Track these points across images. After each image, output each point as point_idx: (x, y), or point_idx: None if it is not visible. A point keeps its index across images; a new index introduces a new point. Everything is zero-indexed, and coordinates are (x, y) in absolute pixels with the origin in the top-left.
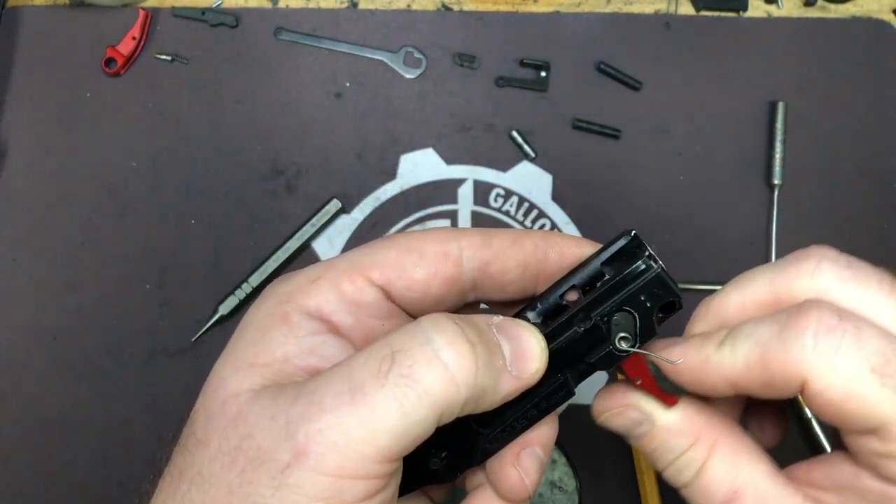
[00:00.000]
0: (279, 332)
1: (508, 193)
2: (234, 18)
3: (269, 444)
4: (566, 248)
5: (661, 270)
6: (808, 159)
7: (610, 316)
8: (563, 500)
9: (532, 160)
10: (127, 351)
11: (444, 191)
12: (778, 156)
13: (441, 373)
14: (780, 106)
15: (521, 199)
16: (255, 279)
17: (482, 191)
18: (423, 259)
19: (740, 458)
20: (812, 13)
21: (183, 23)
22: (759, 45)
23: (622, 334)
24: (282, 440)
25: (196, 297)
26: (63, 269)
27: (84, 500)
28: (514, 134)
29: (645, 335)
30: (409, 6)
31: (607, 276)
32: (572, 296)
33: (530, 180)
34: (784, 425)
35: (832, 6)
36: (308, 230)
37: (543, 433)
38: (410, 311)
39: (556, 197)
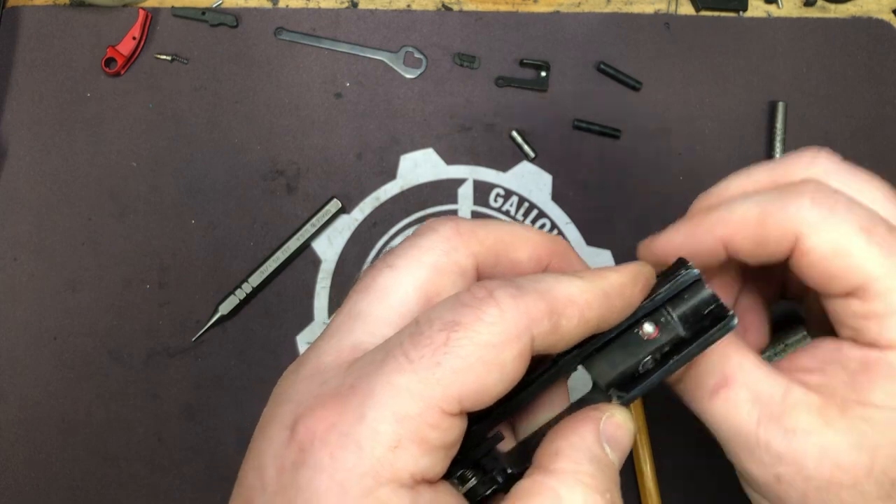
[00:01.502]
0: None
1: (508, 193)
2: (234, 18)
3: None
4: (625, 308)
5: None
6: None
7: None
8: None
9: (532, 160)
10: (127, 351)
11: (443, 191)
12: (778, 156)
13: None
14: (780, 106)
15: (521, 199)
16: (255, 279)
17: (482, 191)
18: (502, 373)
19: (727, 347)
20: (812, 13)
21: (183, 23)
22: (759, 45)
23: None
24: None
25: (196, 297)
26: (63, 269)
27: (84, 500)
28: (514, 134)
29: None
30: (409, 6)
31: (681, 334)
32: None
33: (530, 180)
34: (766, 331)
35: (832, 6)
36: (308, 230)
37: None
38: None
39: (556, 197)
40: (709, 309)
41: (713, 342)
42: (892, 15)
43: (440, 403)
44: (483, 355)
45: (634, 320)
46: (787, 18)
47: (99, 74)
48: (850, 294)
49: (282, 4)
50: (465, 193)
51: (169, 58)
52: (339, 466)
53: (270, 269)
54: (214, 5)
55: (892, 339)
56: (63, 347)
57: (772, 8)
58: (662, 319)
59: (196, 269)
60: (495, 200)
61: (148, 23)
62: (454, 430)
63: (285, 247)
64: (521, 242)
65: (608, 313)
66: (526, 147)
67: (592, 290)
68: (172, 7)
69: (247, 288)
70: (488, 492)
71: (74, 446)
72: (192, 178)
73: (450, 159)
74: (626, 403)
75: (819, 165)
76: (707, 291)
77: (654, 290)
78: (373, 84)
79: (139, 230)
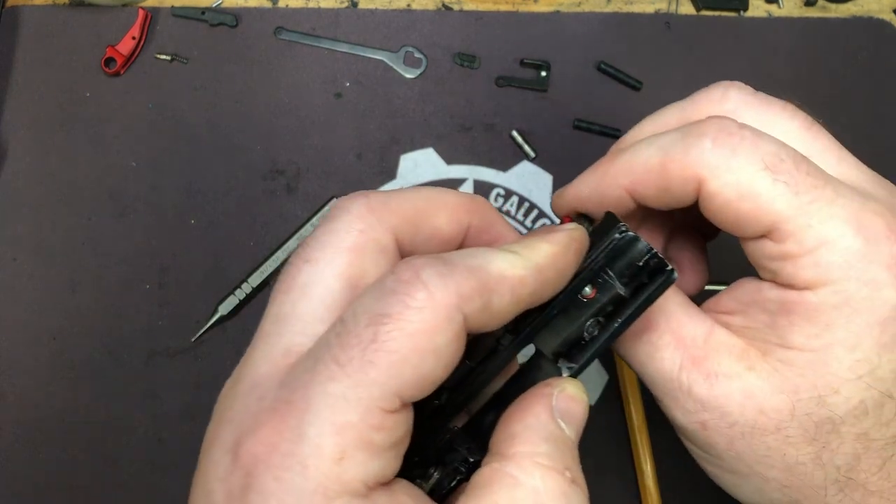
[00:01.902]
0: None
1: (508, 193)
2: (234, 18)
3: None
4: (560, 279)
5: (671, 271)
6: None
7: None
8: None
9: (532, 160)
10: (127, 351)
11: None
12: None
13: None
14: None
15: (522, 199)
16: (255, 279)
17: (482, 190)
18: (438, 359)
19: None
20: (812, 13)
21: (183, 22)
22: (760, 44)
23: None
24: None
25: (196, 297)
26: (63, 269)
27: (84, 500)
28: (514, 134)
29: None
30: (409, 6)
31: (621, 293)
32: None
33: (530, 180)
34: (703, 270)
35: (833, 6)
36: (308, 230)
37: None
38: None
39: None
40: (645, 261)
41: (654, 300)
42: (892, 14)
43: (379, 404)
44: (415, 344)
45: (573, 287)
46: (788, 18)
47: (98, 74)
48: (762, 236)
49: (282, 4)
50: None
51: (169, 57)
52: (286, 488)
53: (270, 270)
54: (214, 5)
55: (809, 279)
56: (63, 347)
57: (772, 8)
58: (600, 280)
59: (196, 269)
60: (495, 200)
61: (147, 22)
62: (400, 427)
63: (285, 247)
64: (438, 207)
65: (542, 287)
66: (526, 147)
67: (525, 265)
68: (172, 7)
69: (246, 288)
70: (453, 483)
71: (74, 446)
72: (192, 178)
73: (450, 159)
74: (575, 375)
75: (730, 100)
76: (642, 245)
77: (589, 250)
78: (373, 84)
79: (139, 230)
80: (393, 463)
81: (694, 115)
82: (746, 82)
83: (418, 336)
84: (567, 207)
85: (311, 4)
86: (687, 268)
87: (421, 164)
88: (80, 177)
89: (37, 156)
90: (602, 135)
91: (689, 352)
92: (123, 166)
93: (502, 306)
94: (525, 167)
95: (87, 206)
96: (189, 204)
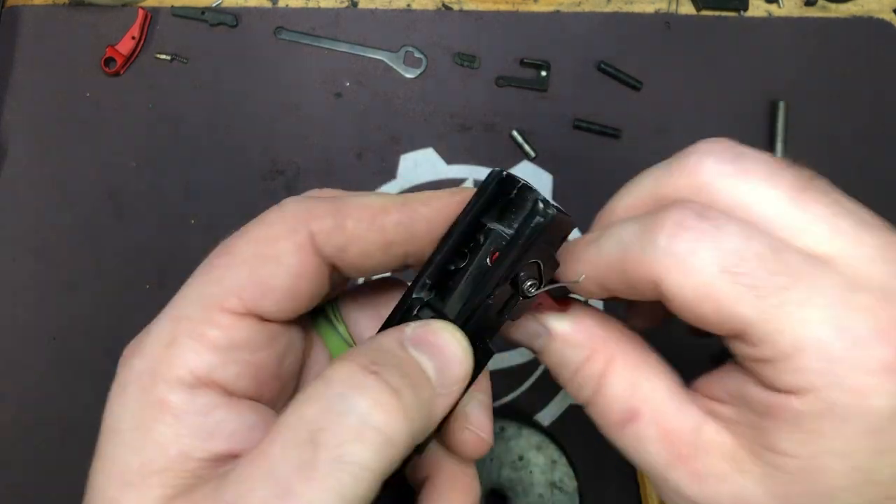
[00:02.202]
0: (163, 426)
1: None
2: (234, 18)
3: None
4: (434, 216)
5: (558, 211)
6: (808, 159)
7: (518, 274)
8: (563, 500)
9: (532, 160)
10: None
11: None
12: (778, 155)
13: (374, 441)
14: (781, 106)
15: None
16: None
17: None
18: (279, 264)
19: (639, 373)
20: (813, 13)
21: (182, 22)
22: (760, 44)
23: (530, 282)
24: None
25: None
26: (63, 269)
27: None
28: (514, 134)
29: (549, 272)
30: (409, 6)
31: (504, 236)
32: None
33: (530, 180)
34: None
35: (833, 6)
36: None
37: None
38: (288, 319)
39: (557, 197)
40: (531, 201)
41: (533, 236)
42: (892, 14)
43: (219, 302)
44: (255, 250)
45: (458, 238)
46: (788, 18)
47: (98, 74)
48: (735, 337)
49: (281, 4)
50: None
51: (168, 57)
52: (127, 371)
53: None
54: (214, 5)
55: (790, 384)
56: (62, 347)
57: (773, 7)
58: (492, 236)
59: (196, 269)
60: None
61: (147, 22)
62: (240, 330)
63: None
64: (352, 208)
65: (410, 220)
66: (526, 147)
67: (391, 199)
68: (172, 7)
69: None
70: None
71: (74, 446)
72: (192, 178)
73: (450, 159)
74: (456, 321)
75: (704, 172)
76: (518, 182)
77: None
78: (373, 84)
79: (138, 230)
80: (235, 368)
81: (667, 188)
82: (747, 82)
83: (258, 242)
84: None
85: (311, 4)
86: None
87: (421, 163)
88: (80, 177)
89: (37, 156)
90: (602, 135)
91: (676, 448)
92: (123, 166)
93: (360, 230)
94: (525, 167)
95: (86, 206)
96: (189, 204)
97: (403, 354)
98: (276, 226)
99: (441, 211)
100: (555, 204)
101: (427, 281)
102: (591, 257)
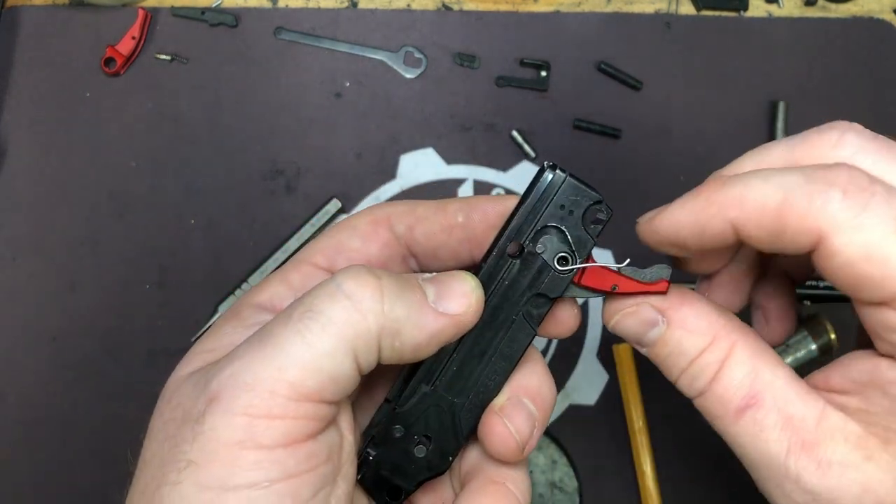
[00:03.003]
0: (229, 325)
1: (509, 193)
2: (234, 18)
3: (190, 403)
4: (489, 207)
5: (569, 175)
6: None
7: (537, 239)
8: (563, 500)
9: (532, 160)
10: (127, 351)
11: (444, 190)
12: None
13: (342, 302)
14: (781, 106)
15: None
16: (255, 279)
17: (482, 190)
18: (355, 230)
19: (760, 360)
20: (813, 13)
21: (182, 22)
22: (760, 44)
23: (560, 254)
24: (199, 395)
25: (196, 297)
26: (63, 269)
27: (84, 500)
28: (515, 134)
29: (581, 248)
30: (409, 6)
31: (524, 203)
32: (514, 248)
33: (530, 180)
34: (792, 318)
35: (833, 6)
36: (308, 230)
37: (529, 382)
38: None
39: None
40: (545, 167)
41: (537, 192)
42: (892, 14)
43: (309, 258)
44: (343, 224)
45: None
46: (788, 18)
47: (98, 74)
48: (883, 303)
49: (281, 4)
50: (466, 193)
51: (168, 57)
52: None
53: (270, 269)
54: (214, 5)
55: None
56: (62, 348)
57: (773, 7)
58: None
59: (196, 269)
60: None
61: (147, 22)
62: (315, 279)
63: (285, 247)
64: (349, 235)
65: (469, 207)
66: (526, 147)
67: (458, 198)
68: (172, 7)
69: (246, 288)
70: None
71: (74, 446)
72: (192, 178)
73: (450, 159)
74: (477, 274)
75: (848, 145)
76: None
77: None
78: (373, 84)
79: (139, 230)
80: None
81: (804, 157)
82: (747, 82)
83: (347, 219)
84: (660, 237)
85: (311, 4)
86: (774, 317)
87: (421, 164)
88: (80, 177)
89: (37, 156)
90: (602, 135)
91: (799, 435)
92: (123, 166)
93: (427, 213)
94: (525, 167)
95: (86, 206)
96: (189, 204)
97: (409, 277)
98: (363, 210)
99: (498, 204)
100: (578, 176)
101: (483, 265)
102: (736, 193)
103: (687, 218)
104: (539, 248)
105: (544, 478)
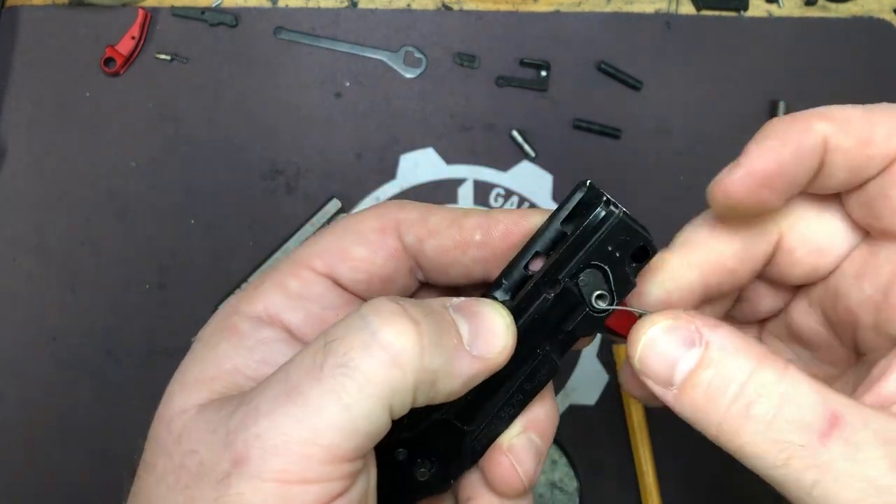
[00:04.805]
0: (227, 345)
1: (508, 193)
2: (234, 18)
3: (210, 457)
4: (511, 225)
5: (624, 214)
6: None
7: (578, 275)
8: (563, 500)
9: (532, 160)
10: (127, 351)
11: (444, 190)
12: None
13: (380, 356)
14: (781, 105)
15: (522, 199)
16: (255, 279)
17: (482, 190)
18: (361, 236)
19: (814, 384)
20: (813, 13)
21: (182, 22)
22: (760, 44)
23: (598, 292)
24: (221, 450)
25: (196, 297)
26: (63, 269)
27: (84, 500)
28: (515, 134)
29: (621, 289)
30: (409, 6)
31: (568, 234)
32: (537, 264)
33: (530, 180)
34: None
35: (833, 6)
36: (308, 230)
37: (537, 416)
38: (362, 296)
39: (556, 197)
40: (600, 199)
41: (591, 231)
42: (892, 14)
43: (306, 261)
44: (347, 226)
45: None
46: (788, 18)
47: (98, 74)
48: None
49: (281, 4)
50: (466, 193)
51: (168, 57)
52: (221, 307)
53: None
54: (214, 5)
55: None
56: (62, 347)
57: (773, 7)
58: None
59: (196, 269)
60: (496, 200)
61: (147, 22)
62: (315, 286)
63: (285, 247)
64: (352, 241)
65: (488, 223)
66: (526, 147)
67: (475, 209)
68: (172, 7)
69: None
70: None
71: (74, 446)
72: (192, 178)
73: (450, 159)
74: (510, 306)
75: None
76: (597, 190)
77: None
78: (373, 84)
79: (138, 230)
80: (302, 315)
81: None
82: (747, 81)
83: (351, 221)
84: (751, 186)
85: (311, 4)
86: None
87: (421, 164)
88: (80, 177)
89: (37, 156)
90: (602, 134)
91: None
92: (123, 166)
93: (441, 225)
94: (525, 167)
95: (86, 206)
96: (189, 204)
97: (441, 310)
98: (369, 212)
99: (519, 221)
100: (630, 214)
101: (503, 281)
102: (821, 111)
103: (779, 145)
104: (580, 283)
105: (544, 478)
